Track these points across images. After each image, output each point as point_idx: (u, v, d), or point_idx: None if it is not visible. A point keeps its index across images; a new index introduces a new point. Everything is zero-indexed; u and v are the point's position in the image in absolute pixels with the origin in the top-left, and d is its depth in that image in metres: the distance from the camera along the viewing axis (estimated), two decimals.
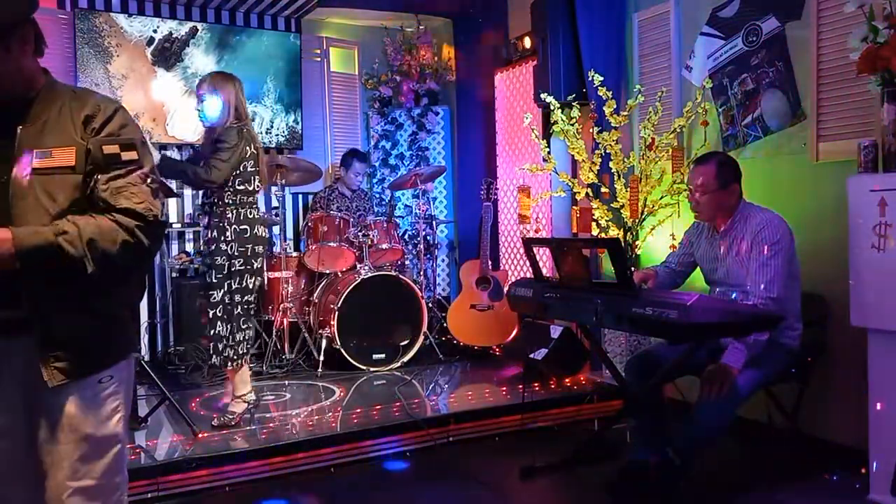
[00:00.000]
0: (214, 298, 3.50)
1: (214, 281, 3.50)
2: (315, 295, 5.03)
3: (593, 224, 4.23)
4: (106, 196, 1.62)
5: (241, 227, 3.51)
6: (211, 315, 3.51)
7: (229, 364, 3.55)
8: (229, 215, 3.50)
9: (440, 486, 3.14)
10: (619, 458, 3.18)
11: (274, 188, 4.90)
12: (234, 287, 3.51)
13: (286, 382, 4.47)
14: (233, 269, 3.50)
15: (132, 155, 1.67)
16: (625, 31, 4.43)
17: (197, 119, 3.63)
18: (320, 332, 4.79)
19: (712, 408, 2.76)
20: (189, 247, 5.57)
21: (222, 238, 3.49)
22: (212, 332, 3.52)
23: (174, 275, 5.25)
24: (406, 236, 6.01)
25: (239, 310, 3.53)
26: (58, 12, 5.18)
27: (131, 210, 1.62)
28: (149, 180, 1.69)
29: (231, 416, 3.54)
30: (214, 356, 3.54)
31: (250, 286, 3.56)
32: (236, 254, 3.50)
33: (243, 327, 3.56)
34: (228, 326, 3.51)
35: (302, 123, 5.92)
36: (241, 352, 3.55)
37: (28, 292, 1.58)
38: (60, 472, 1.65)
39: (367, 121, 6.32)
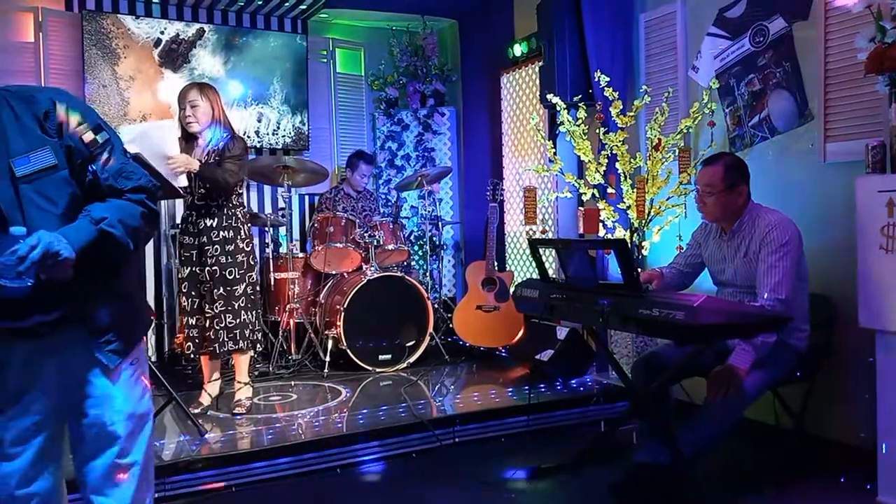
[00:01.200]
0: (238, 292, 3.74)
1: (238, 276, 3.75)
2: (321, 296, 5.03)
3: (600, 225, 4.22)
4: (111, 182, 1.68)
5: (248, 225, 3.86)
6: (236, 307, 3.74)
7: (256, 347, 3.92)
8: (240, 215, 3.79)
9: (446, 488, 3.14)
10: (625, 460, 3.17)
11: (280, 189, 4.91)
12: (253, 279, 3.84)
13: (292, 383, 4.48)
14: (251, 264, 3.81)
15: (105, 135, 1.71)
16: (631, 32, 4.42)
17: (182, 127, 3.75)
18: (326, 332, 4.79)
19: (719, 409, 2.75)
20: None
21: (238, 237, 3.76)
22: (237, 320, 3.74)
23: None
24: (412, 237, 6.02)
25: (256, 298, 3.87)
26: (65, 14, 5.20)
27: (138, 187, 1.71)
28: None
29: (248, 401, 3.85)
30: (241, 342, 3.76)
31: (257, 278, 3.97)
32: (249, 250, 3.82)
33: (258, 314, 3.95)
34: (253, 314, 3.80)
35: (308, 124, 5.93)
36: (259, 336, 3.93)
37: (67, 289, 1.59)
38: (110, 452, 1.74)
39: (374, 122, 6.33)
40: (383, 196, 6.16)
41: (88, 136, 1.67)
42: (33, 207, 1.58)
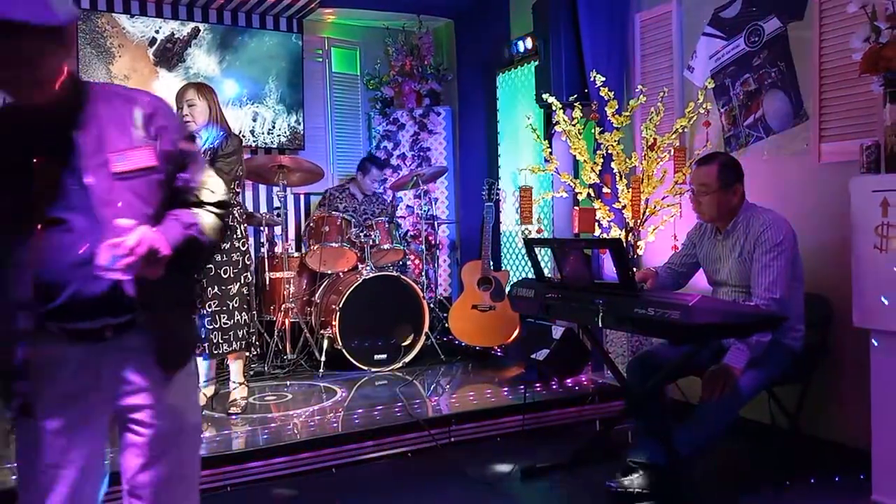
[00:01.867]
0: (232, 292, 3.73)
1: (232, 275, 3.74)
2: (317, 295, 5.03)
3: (595, 224, 4.23)
4: (197, 193, 1.68)
5: (244, 225, 3.88)
6: (231, 306, 3.72)
7: (251, 347, 3.91)
8: (235, 214, 3.79)
9: (442, 487, 3.14)
10: (620, 459, 3.17)
11: (276, 189, 4.90)
12: (248, 279, 3.83)
13: (287, 383, 4.47)
14: (246, 263, 3.80)
15: (195, 146, 1.74)
16: (627, 32, 4.42)
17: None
18: (322, 332, 4.79)
19: (714, 409, 2.75)
20: None
21: (233, 236, 3.74)
22: (231, 321, 3.72)
23: None
24: (408, 237, 6.01)
25: (250, 298, 3.86)
26: None
27: (221, 202, 1.73)
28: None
29: (243, 401, 3.83)
30: (235, 342, 3.74)
31: (252, 278, 3.96)
32: (245, 249, 3.81)
33: (253, 315, 3.94)
34: (247, 314, 3.80)
35: (304, 124, 5.92)
36: (254, 338, 3.93)
37: (139, 292, 1.56)
38: (168, 463, 1.70)
39: (369, 121, 6.32)
40: (379, 195, 6.16)
41: (184, 145, 1.68)
42: (127, 204, 1.55)
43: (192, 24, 5.50)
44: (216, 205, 1.71)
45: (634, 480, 2.87)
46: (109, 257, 1.43)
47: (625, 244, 3.99)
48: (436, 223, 5.78)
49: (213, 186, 1.72)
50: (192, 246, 1.59)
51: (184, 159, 1.68)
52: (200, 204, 1.68)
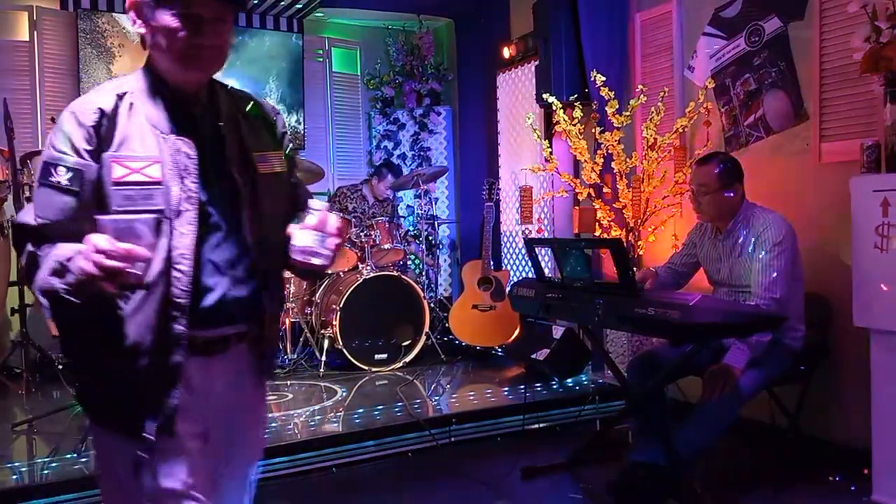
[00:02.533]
0: None
1: None
2: (317, 295, 5.03)
3: (595, 224, 4.23)
4: (303, 194, 1.67)
5: None
6: None
7: None
8: None
9: (442, 487, 3.14)
10: (620, 459, 3.17)
11: None
12: None
13: (288, 383, 4.47)
14: None
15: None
16: (627, 31, 4.42)
17: None
18: (322, 332, 4.79)
19: (714, 408, 2.75)
20: None
21: None
22: None
23: None
24: (408, 236, 6.02)
25: None
26: (60, 12, 5.19)
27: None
28: None
29: None
30: None
31: None
32: None
33: None
34: None
35: (304, 124, 5.93)
36: None
37: (268, 297, 1.53)
38: (252, 467, 1.66)
39: (370, 121, 6.33)
40: None
41: (291, 151, 1.67)
42: (267, 203, 1.51)
43: None
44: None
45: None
46: (316, 240, 1.39)
47: (625, 244, 3.99)
48: (436, 223, 5.78)
49: (305, 188, 1.72)
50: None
51: (293, 164, 1.67)
52: (305, 206, 1.63)
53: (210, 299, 1.43)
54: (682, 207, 3.91)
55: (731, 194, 2.99)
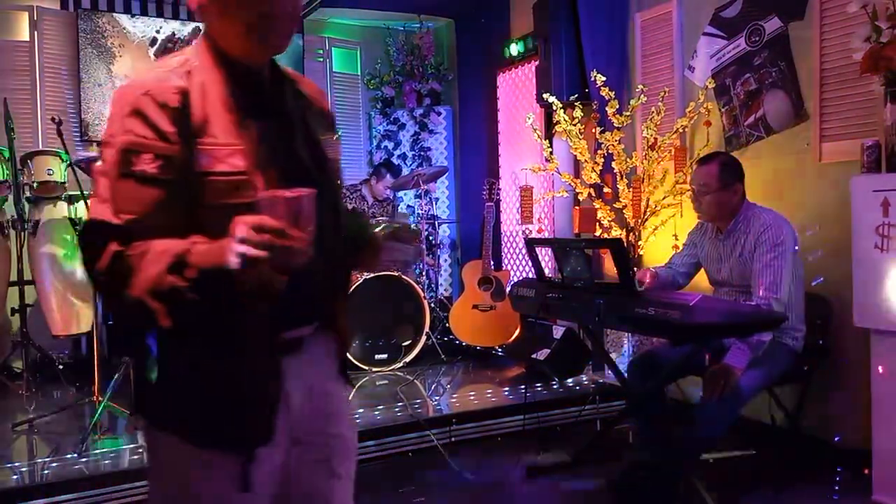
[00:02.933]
0: None
1: None
2: None
3: (596, 224, 4.23)
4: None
5: None
6: None
7: None
8: None
9: (442, 487, 3.14)
10: (621, 459, 3.17)
11: None
12: None
13: None
14: None
15: None
16: (627, 31, 4.42)
17: None
18: None
19: (715, 408, 2.75)
20: None
21: None
22: None
23: None
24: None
25: None
26: (60, 12, 5.19)
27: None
28: None
29: None
30: None
31: None
32: None
33: None
34: None
35: None
36: None
37: (340, 293, 1.46)
38: (349, 468, 1.60)
39: (370, 121, 6.32)
40: None
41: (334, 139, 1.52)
42: (333, 191, 1.41)
43: (192, 24, 5.50)
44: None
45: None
46: (414, 251, 1.44)
47: (625, 244, 3.99)
48: (436, 223, 5.78)
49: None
50: None
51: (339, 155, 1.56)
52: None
53: (290, 295, 1.24)
54: (683, 207, 3.91)
55: (732, 194, 2.99)
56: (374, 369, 4.69)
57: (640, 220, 4.04)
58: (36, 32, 5.08)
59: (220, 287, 1.12)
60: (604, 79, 4.04)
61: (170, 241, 1.15)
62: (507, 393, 4.08)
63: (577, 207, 4.43)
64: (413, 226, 1.44)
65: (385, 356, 4.76)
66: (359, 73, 6.34)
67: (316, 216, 1.14)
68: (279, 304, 1.21)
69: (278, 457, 1.35)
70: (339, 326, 1.45)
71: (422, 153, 6.20)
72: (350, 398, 1.57)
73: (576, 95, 4.36)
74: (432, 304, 5.17)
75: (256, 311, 1.23)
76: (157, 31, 5.38)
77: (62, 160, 4.30)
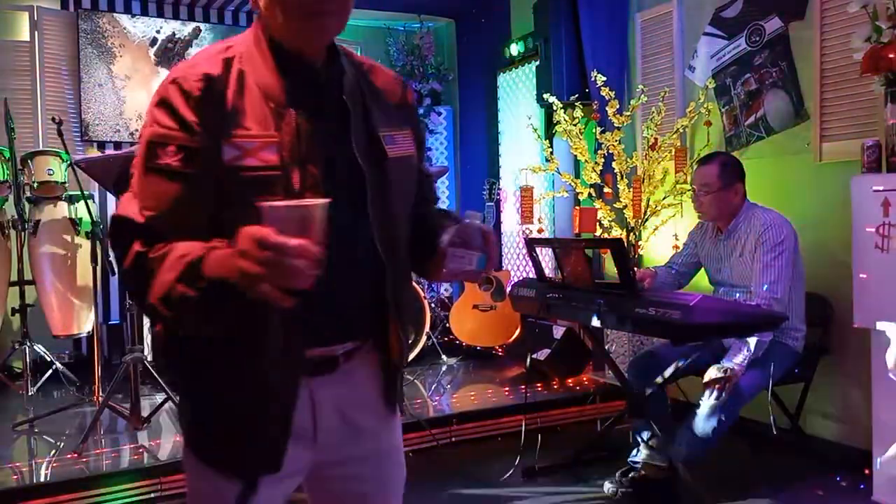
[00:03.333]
0: None
1: None
2: None
3: (596, 224, 4.23)
4: (432, 194, 1.44)
5: None
6: None
7: None
8: None
9: (442, 487, 3.14)
10: (621, 459, 3.17)
11: None
12: None
13: None
14: None
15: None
16: (627, 31, 4.42)
17: None
18: None
19: (715, 409, 2.75)
20: None
21: None
22: None
23: None
24: None
25: None
26: (61, 12, 5.19)
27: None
28: None
29: None
30: None
31: None
32: None
33: None
34: None
35: None
36: None
37: (394, 307, 1.27)
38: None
39: None
40: None
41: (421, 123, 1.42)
42: (398, 196, 1.25)
43: (193, 24, 5.50)
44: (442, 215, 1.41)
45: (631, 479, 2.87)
46: (478, 260, 1.23)
47: (625, 244, 3.99)
48: None
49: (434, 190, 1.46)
50: None
51: (423, 150, 1.38)
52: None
53: (326, 308, 1.15)
54: (683, 207, 3.91)
55: (733, 194, 2.99)
56: None
57: (640, 220, 4.04)
58: (36, 32, 5.07)
59: (231, 299, 1.02)
60: (604, 79, 4.04)
61: (191, 245, 1.07)
62: (507, 393, 4.08)
63: (577, 207, 4.43)
64: (485, 226, 1.23)
65: None
66: None
67: (349, 226, 1.13)
68: (303, 318, 1.10)
69: (291, 485, 1.25)
70: (390, 346, 1.29)
71: None
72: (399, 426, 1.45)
73: (576, 95, 4.36)
74: (432, 304, 5.17)
75: (273, 324, 1.12)
76: (158, 31, 5.37)
77: (62, 160, 4.30)
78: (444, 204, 6.25)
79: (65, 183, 4.34)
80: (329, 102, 1.20)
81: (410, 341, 4.73)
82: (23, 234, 4.29)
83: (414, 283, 4.83)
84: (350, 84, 1.23)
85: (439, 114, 6.20)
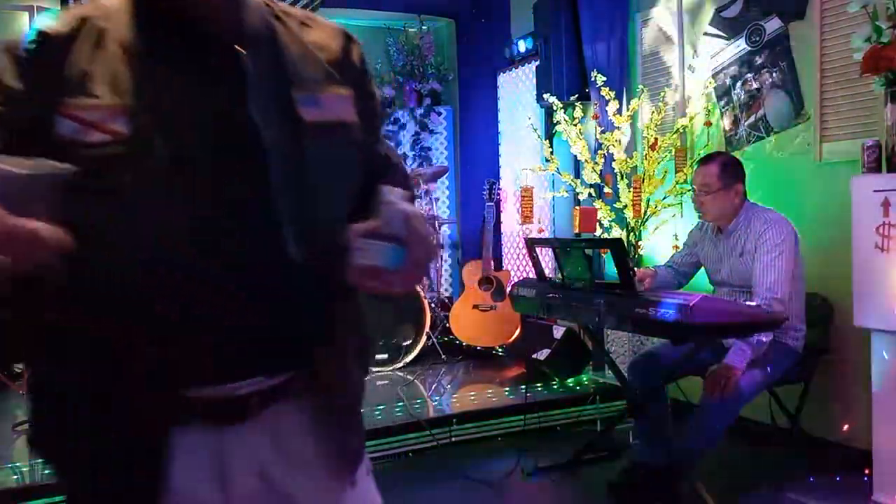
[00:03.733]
0: None
1: None
2: None
3: (596, 224, 4.23)
4: (398, 177, 1.10)
5: None
6: None
7: None
8: None
9: (442, 487, 3.14)
10: (621, 459, 3.17)
11: None
12: None
13: None
14: None
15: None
16: (627, 31, 4.42)
17: None
18: None
19: (715, 408, 2.75)
20: None
21: None
22: None
23: None
24: None
25: None
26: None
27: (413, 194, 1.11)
28: None
29: None
30: None
31: None
32: None
33: None
34: None
35: None
36: None
37: (326, 324, 0.98)
38: None
39: None
40: None
41: (378, 94, 1.12)
42: (319, 171, 0.95)
43: None
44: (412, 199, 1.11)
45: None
46: (385, 253, 0.86)
47: (625, 244, 3.99)
48: (437, 223, 5.77)
49: (401, 170, 1.15)
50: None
51: (376, 120, 1.10)
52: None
53: (211, 329, 0.88)
54: (683, 207, 3.91)
55: (733, 194, 2.99)
56: (375, 369, 4.68)
57: (640, 221, 4.05)
58: None
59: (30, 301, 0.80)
60: (604, 79, 4.04)
61: None
62: (507, 393, 4.08)
63: (577, 207, 4.43)
64: (411, 209, 0.88)
65: (385, 356, 4.76)
66: None
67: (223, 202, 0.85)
68: (171, 343, 0.85)
69: None
70: (323, 382, 0.97)
71: (422, 153, 6.19)
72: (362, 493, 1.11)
73: (576, 95, 4.36)
74: (432, 304, 5.17)
75: (122, 352, 0.87)
76: None
77: None
78: (444, 204, 6.25)
79: None
80: (220, 59, 0.94)
81: (408, 343, 4.75)
82: None
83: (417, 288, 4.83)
84: (254, 36, 0.96)
85: (439, 114, 6.21)
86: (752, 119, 3.70)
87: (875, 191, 2.65)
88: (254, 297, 0.90)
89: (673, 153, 3.95)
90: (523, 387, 3.98)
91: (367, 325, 1.08)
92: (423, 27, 6.26)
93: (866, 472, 2.83)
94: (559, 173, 4.38)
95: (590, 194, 4.23)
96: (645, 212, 4.03)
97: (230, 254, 0.89)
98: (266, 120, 0.92)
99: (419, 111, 6.18)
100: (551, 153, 4.41)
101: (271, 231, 0.91)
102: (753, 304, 2.78)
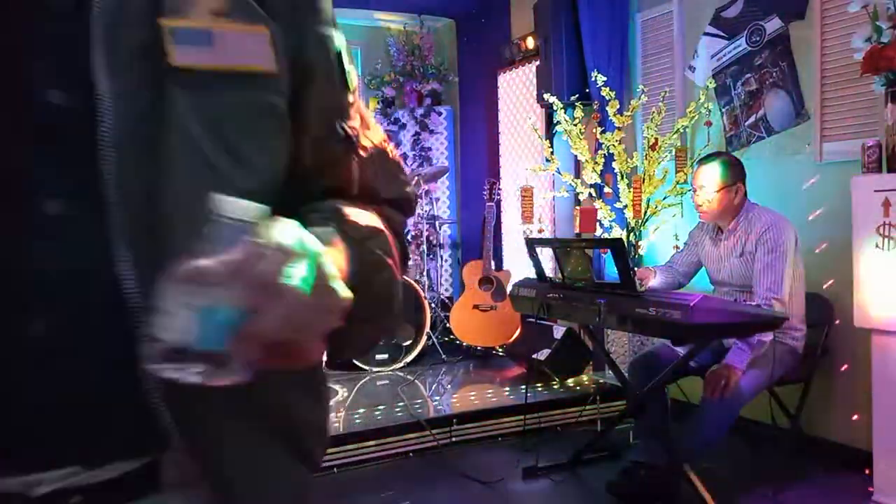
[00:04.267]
0: None
1: None
2: None
3: (596, 224, 4.23)
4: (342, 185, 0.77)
5: None
6: None
7: None
8: None
9: (443, 487, 3.14)
10: (621, 459, 3.17)
11: None
12: None
13: None
14: None
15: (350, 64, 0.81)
16: (628, 32, 4.42)
17: None
18: None
19: (716, 409, 2.75)
20: None
21: None
22: None
23: None
24: (409, 236, 6.02)
25: None
26: None
27: (400, 198, 0.84)
28: None
29: None
30: None
31: None
32: None
33: None
34: None
35: None
36: None
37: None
38: None
39: None
40: None
41: (339, 42, 0.82)
42: (174, 146, 0.62)
43: None
44: (393, 202, 0.84)
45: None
46: (204, 317, 0.50)
47: (626, 244, 3.99)
48: (437, 223, 5.78)
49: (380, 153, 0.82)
50: (371, 280, 0.71)
51: (331, 76, 0.78)
52: (371, 196, 0.79)
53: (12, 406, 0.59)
54: (683, 207, 3.91)
55: (734, 194, 2.99)
56: (375, 369, 4.69)
57: (640, 221, 4.05)
58: None
59: None
60: (604, 79, 4.04)
61: None
62: (507, 393, 4.08)
63: (577, 207, 4.43)
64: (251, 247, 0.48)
65: (386, 356, 4.76)
66: (359, 74, 6.34)
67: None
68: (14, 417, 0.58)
69: None
70: (162, 474, 0.65)
71: (422, 153, 6.20)
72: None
73: (576, 95, 4.36)
74: (433, 304, 5.17)
75: None
76: None
77: None
78: (445, 204, 6.25)
79: None
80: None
81: (408, 343, 4.74)
82: None
83: (412, 282, 4.85)
84: None
85: (439, 114, 6.21)
86: (752, 119, 3.70)
87: (875, 191, 2.65)
88: (68, 349, 0.58)
89: (673, 153, 3.95)
90: (523, 387, 3.98)
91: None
92: (424, 27, 6.26)
93: (866, 472, 2.83)
94: (559, 173, 4.38)
95: (590, 194, 4.23)
96: (645, 212, 4.03)
97: (21, 283, 0.58)
98: (114, 67, 0.60)
99: (419, 111, 6.18)
100: (552, 153, 4.41)
101: (101, 244, 0.58)
102: (754, 304, 2.78)
